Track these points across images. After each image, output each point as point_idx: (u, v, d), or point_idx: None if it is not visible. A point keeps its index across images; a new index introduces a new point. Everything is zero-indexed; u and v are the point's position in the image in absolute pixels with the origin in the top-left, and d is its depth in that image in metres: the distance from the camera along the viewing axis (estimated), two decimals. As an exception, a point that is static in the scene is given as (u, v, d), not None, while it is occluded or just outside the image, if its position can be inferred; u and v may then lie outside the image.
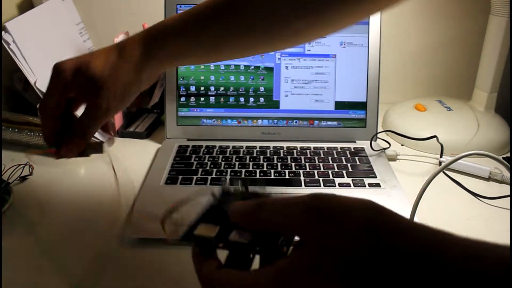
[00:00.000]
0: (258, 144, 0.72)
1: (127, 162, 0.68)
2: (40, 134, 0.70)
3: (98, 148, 0.50)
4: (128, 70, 0.44)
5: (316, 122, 0.74)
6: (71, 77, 0.43)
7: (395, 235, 0.24)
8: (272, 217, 0.27)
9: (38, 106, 0.46)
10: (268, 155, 0.69)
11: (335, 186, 0.61)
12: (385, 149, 0.71)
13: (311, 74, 0.74)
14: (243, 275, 0.26)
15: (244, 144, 0.72)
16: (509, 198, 0.59)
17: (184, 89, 0.74)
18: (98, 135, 0.56)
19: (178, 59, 0.47)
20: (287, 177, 0.63)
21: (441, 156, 0.68)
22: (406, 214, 0.52)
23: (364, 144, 0.72)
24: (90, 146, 0.47)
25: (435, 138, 0.69)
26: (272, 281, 0.24)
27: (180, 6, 0.73)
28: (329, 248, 0.24)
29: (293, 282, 0.24)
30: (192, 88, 0.74)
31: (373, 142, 0.71)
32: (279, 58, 0.73)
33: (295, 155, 0.69)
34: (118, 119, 0.79)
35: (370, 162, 0.67)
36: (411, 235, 0.24)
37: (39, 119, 0.46)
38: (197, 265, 0.29)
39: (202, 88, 0.74)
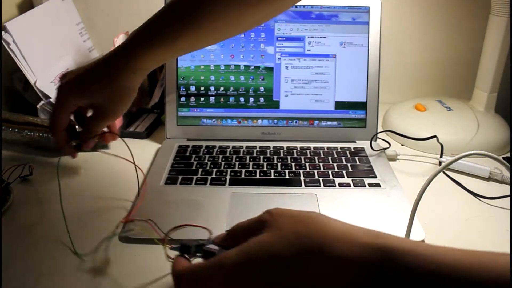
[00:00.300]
0: (258, 144, 0.72)
1: (127, 162, 0.68)
2: (40, 134, 0.70)
3: (105, 145, 0.61)
4: (119, 84, 0.50)
5: (316, 122, 0.74)
6: (76, 101, 0.52)
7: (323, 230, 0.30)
8: (237, 232, 0.34)
9: (48, 124, 0.55)
10: (268, 155, 0.69)
11: (335, 186, 0.61)
12: (385, 149, 0.71)
13: (311, 74, 0.74)
14: (203, 262, 0.33)
15: (244, 144, 0.72)
16: (509, 198, 0.59)
17: (184, 89, 0.74)
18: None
19: (158, 62, 0.52)
20: (287, 177, 0.63)
21: (441, 156, 0.68)
22: (406, 214, 0.52)
23: (364, 144, 0.72)
24: (98, 144, 0.57)
25: (435, 138, 0.69)
26: (235, 253, 0.30)
27: (180, 6, 0.73)
28: (272, 224, 0.31)
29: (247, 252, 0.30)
30: (192, 88, 0.74)
31: (373, 142, 0.71)
32: (279, 58, 0.73)
33: (295, 155, 0.69)
34: (118, 120, 0.79)
35: (370, 162, 0.67)
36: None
37: (51, 134, 0.56)
38: (173, 264, 0.34)
39: (202, 88, 0.74)
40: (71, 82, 0.51)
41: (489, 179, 0.65)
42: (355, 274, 0.26)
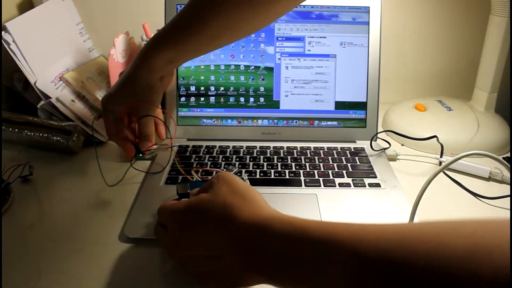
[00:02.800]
0: (258, 144, 0.72)
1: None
2: (40, 134, 0.70)
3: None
4: (139, 83, 0.58)
5: (316, 122, 0.74)
6: (113, 107, 0.60)
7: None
8: (200, 189, 0.46)
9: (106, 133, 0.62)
10: (268, 155, 0.69)
11: (335, 186, 0.61)
12: (385, 149, 0.71)
13: (311, 74, 0.74)
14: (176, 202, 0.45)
15: (244, 144, 0.72)
16: (509, 198, 0.59)
17: (184, 89, 0.74)
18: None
19: (171, 62, 0.57)
20: (287, 177, 0.63)
21: (441, 156, 0.68)
22: (406, 214, 0.52)
23: (364, 144, 0.72)
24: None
25: (435, 138, 0.69)
26: (186, 203, 0.43)
27: (180, 6, 0.73)
28: (216, 193, 0.42)
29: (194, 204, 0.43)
30: (192, 88, 0.74)
31: (373, 142, 0.71)
32: (279, 58, 0.73)
33: (295, 155, 0.69)
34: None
35: (370, 162, 0.67)
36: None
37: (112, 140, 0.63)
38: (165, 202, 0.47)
39: (202, 88, 0.74)
40: (107, 92, 0.61)
41: (489, 179, 0.65)
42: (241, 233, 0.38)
